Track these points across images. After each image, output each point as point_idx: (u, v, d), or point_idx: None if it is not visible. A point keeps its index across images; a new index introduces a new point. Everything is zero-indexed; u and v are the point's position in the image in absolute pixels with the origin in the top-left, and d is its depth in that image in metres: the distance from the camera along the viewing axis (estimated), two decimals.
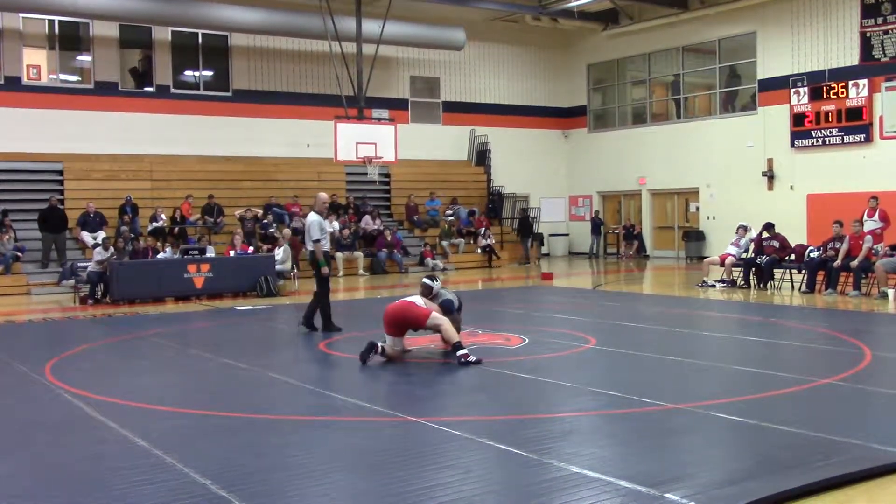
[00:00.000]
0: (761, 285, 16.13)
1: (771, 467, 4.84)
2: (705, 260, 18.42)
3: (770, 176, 23.15)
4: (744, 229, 17.14)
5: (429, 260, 22.34)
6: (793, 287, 15.82)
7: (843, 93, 21.36)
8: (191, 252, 16.82)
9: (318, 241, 10.68)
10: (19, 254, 18.27)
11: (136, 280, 15.76)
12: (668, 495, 4.39)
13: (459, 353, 8.34)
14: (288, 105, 24.05)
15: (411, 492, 4.55)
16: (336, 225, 21.16)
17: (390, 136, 20.94)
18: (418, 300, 8.84)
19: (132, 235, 18.47)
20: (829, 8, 21.74)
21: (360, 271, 21.39)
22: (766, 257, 16.13)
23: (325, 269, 10.78)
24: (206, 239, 18.94)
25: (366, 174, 22.15)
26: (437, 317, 8.58)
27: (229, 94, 23.74)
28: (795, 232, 19.18)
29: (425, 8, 24.36)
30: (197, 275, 16.15)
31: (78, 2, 20.26)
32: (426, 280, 9.36)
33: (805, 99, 22.19)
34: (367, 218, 22.86)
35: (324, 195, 11.31)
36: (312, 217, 10.86)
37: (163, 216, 20.34)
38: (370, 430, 6.01)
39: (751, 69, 23.87)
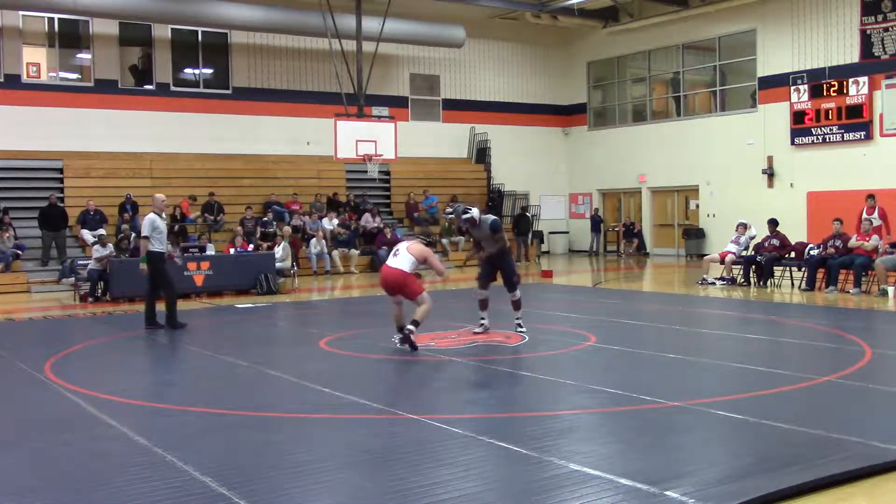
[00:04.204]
0: (761, 283, 16.13)
1: (771, 465, 4.83)
2: (705, 257, 18.42)
3: (770, 173, 23.14)
4: (743, 227, 17.14)
5: None
6: (793, 284, 15.82)
7: (843, 90, 21.35)
8: (191, 250, 16.83)
9: (145, 237, 11.08)
10: (19, 252, 18.29)
11: (137, 278, 15.64)
12: (667, 493, 4.39)
13: (409, 327, 8.94)
14: (288, 103, 24.05)
15: (410, 489, 4.55)
16: (333, 222, 21.18)
17: (390, 133, 20.93)
18: (407, 265, 9.08)
19: (133, 233, 18.46)
20: (829, 5, 21.72)
21: (352, 269, 21.27)
22: (765, 254, 16.14)
23: (142, 267, 11.21)
24: (206, 237, 18.94)
25: (366, 172, 22.15)
26: (424, 297, 9.10)
27: (229, 91, 23.73)
28: (795, 229, 19.19)
29: (425, 5, 24.35)
30: (197, 272, 16.15)
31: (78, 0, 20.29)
32: (468, 212, 9.91)
33: (805, 96, 22.18)
34: (366, 216, 22.86)
35: (160, 196, 11.71)
36: (149, 216, 11.30)
37: (163, 214, 20.27)
38: (370, 428, 6.01)
39: (751, 67, 23.87)
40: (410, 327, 8.99)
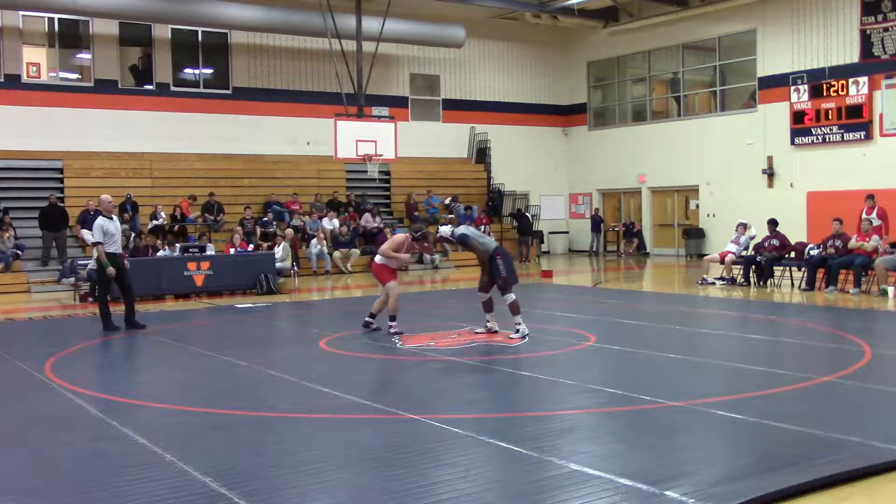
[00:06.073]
0: (761, 283, 16.13)
1: (771, 464, 4.84)
2: (705, 257, 18.43)
3: (770, 173, 23.14)
4: (743, 227, 17.14)
5: (427, 257, 22.32)
6: (793, 284, 15.82)
7: (843, 90, 21.35)
8: (191, 250, 16.82)
9: (99, 243, 10.98)
10: (19, 252, 18.29)
11: (136, 278, 15.66)
12: (667, 493, 4.39)
13: (390, 323, 10.15)
14: (288, 103, 24.05)
15: (410, 489, 4.55)
16: (335, 222, 21.18)
17: (390, 133, 20.93)
18: (379, 256, 10.33)
19: (133, 233, 18.47)
20: (829, 5, 21.73)
21: (349, 268, 21.21)
22: (765, 254, 16.13)
23: (110, 270, 11.06)
24: (206, 237, 18.94)
25: (366, 172, 22.14)
26: (389, 286, 10.17)
27: (229, 91, 23.73)
28: (795, 229, 19.17)
29: (425, 5, 24.35)
30: (197, 272, 16.15)
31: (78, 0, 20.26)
32: (442, 229, 10.35)
33: (805, 96, 22.18)
34: (367, 215, 22.87)
35: (106, 196, 11.50)
36: (97, 220, 11.13)
37: (163, 214, 20.33)
38: (370, 428, 6.01)
39: (751, 67, 23.87)
40: (391, 323, 10.16)
